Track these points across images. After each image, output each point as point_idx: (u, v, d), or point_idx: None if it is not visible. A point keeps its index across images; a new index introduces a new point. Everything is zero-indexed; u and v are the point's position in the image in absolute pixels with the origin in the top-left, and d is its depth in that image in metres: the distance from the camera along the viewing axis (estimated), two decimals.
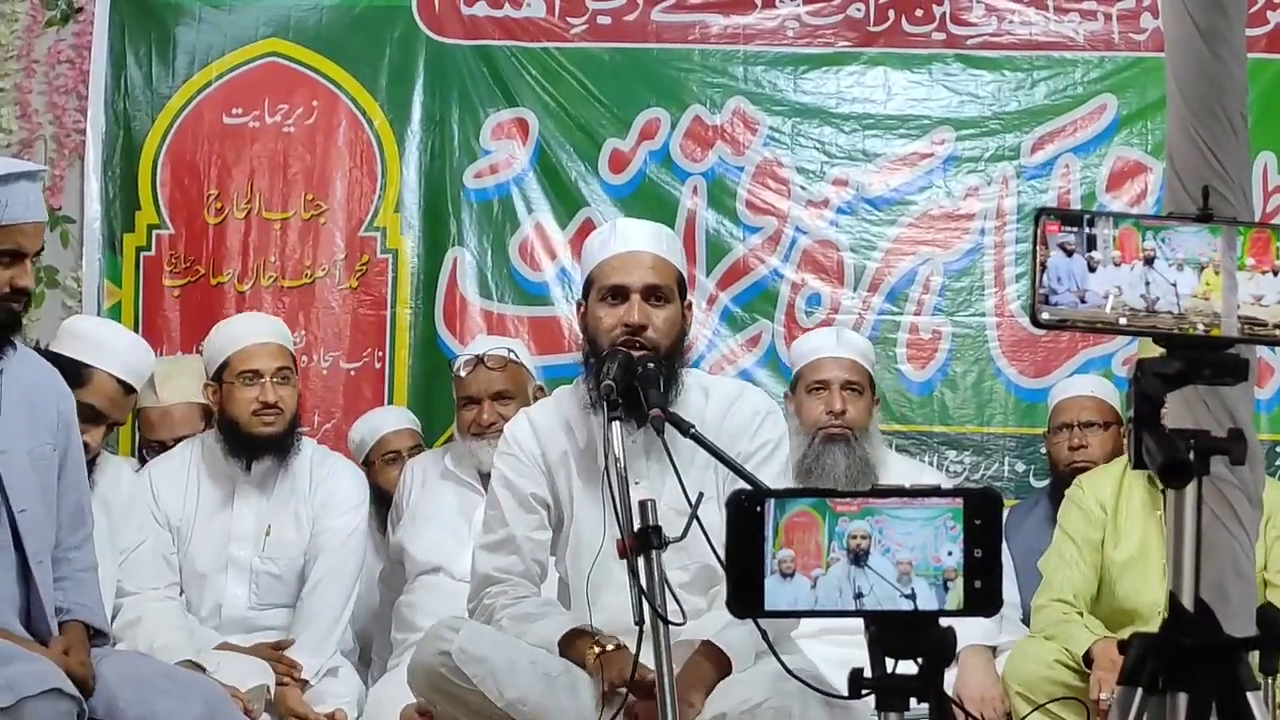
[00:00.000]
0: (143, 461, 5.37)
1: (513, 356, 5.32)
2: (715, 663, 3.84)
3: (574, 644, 3.89)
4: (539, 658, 3.85)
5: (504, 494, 4.08)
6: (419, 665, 3.92)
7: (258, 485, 5.05)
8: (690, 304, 4.10)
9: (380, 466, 5.63)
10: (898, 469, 5.29)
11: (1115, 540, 4.92)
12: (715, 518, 3.31)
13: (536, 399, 5.12)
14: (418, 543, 5.24)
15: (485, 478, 4.81)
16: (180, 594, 4.99)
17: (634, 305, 3.92)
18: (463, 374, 5.33)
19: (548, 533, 4.09)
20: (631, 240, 4.02)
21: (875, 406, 5.38)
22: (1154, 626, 2.49)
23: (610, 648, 3.80)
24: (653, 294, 3.95)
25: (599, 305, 3.97)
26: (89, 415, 4.47)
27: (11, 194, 3.70)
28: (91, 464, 4.53)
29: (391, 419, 5.80)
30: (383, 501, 5.56)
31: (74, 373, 4.43)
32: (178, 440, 5.26)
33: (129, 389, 4.79)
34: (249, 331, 5.11)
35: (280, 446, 5.03)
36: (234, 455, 5.02)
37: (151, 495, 5.00)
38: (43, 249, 3.88)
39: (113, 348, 4.79)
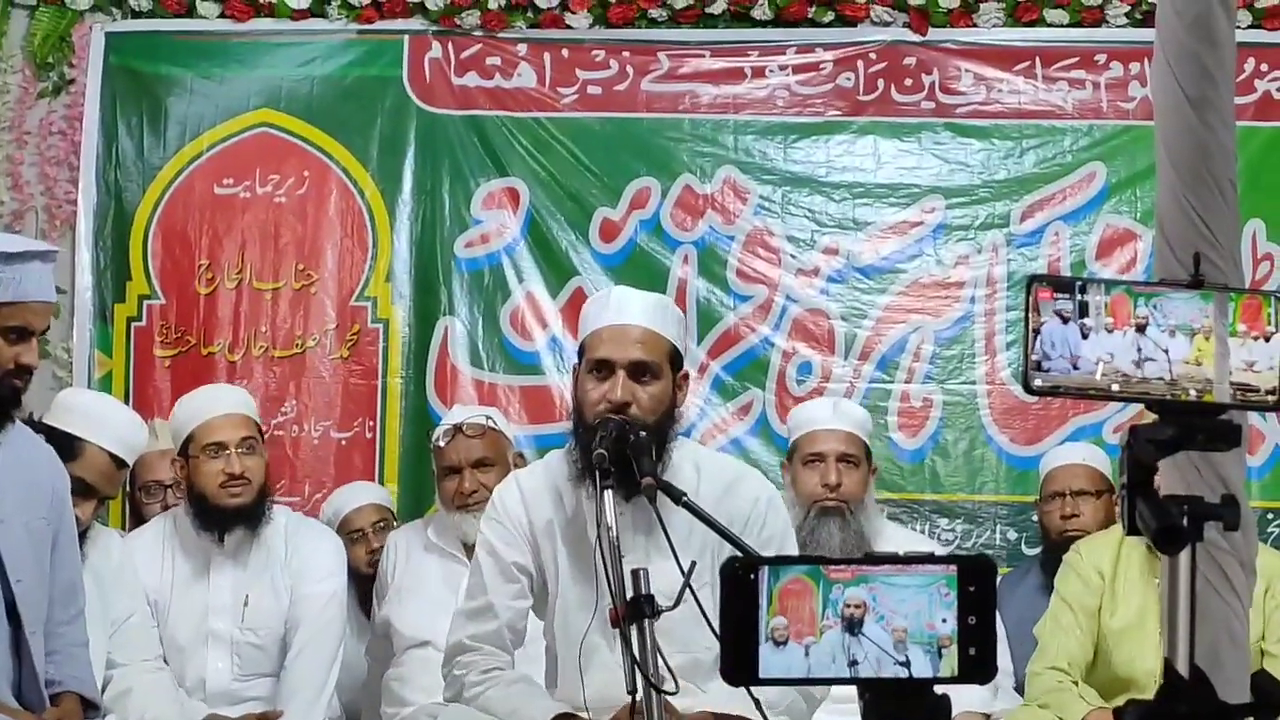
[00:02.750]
0: (134, 512, 5.35)
1: (490, 423, 5.29)
2: None
3: None
4: None
5: (486, 561, 4.01)
6: None
7: (232, 556, 4.99)
8: (686, 375, 4.01)
9: (347, 545, 5.59)
10: (893, 539, 5.23)
11: (1113, 608, 4.89)
12: (708, 602, 3.30)
13: (516, 466, 5.10)
14: (404, 617, 5.20)
15: (469, 549, 4.78)
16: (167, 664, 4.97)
17: (618, 382, 3.82)
18: (442, 444, 5.29)
19: (528, 600, 4.02)
20: (625, 312, 3.93)
21: (872, 477, 5.32)
22: (1149, 694, 2.48)
23: None
24: (640, 371, 3.85)
25: (587, 377, 3.89)
26: (80, 489, 4.45)
27: (25, 272, 3.73)
28: (82, 537, 4.51)
29: (352, 496, 5.76)
30: (352, 578, 5.54)
31: (67, 446, 4.43)
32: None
33: (121, 463, 4.78)
34: (212, 404, 5.05)
35: (251, 517, 4.97)
36: (205, 529, 4.96)
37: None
38: (49, 328, 3.90)
39: (106, 422, 4.77)
